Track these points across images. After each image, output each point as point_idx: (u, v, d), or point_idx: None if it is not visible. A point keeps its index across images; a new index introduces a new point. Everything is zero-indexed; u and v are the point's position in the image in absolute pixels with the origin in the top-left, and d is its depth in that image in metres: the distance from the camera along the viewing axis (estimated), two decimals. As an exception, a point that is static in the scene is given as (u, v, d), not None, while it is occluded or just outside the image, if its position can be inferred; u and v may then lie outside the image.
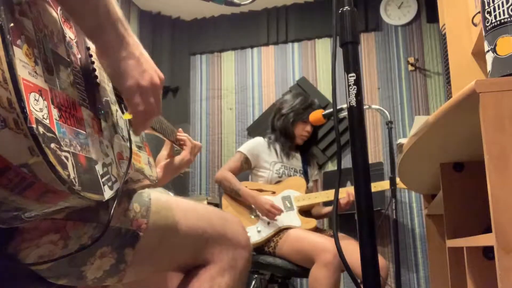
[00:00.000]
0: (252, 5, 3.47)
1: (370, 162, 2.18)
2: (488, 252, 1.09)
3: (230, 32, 3.93)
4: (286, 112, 2.52)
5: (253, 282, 2.62)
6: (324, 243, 2.11)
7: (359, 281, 0.87)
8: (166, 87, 3.89)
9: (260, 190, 2.41)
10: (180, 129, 1.32)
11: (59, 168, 0.55)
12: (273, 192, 2.42)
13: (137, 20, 3.81)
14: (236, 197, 2.42)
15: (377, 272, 0.85)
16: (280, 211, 2.34)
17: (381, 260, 2.25)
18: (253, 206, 2.39)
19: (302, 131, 2.50)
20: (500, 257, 0.77)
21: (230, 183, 2.41)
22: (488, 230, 0.84)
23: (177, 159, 1.28)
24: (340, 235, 2.37)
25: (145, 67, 0.74)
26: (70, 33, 0.70)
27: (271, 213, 2.31)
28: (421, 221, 3.24)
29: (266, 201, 2.34)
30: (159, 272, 1.01)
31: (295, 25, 3.79)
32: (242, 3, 1.02)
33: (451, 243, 1.28)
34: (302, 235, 2.23)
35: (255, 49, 3.90)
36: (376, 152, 3.45)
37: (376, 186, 2.42)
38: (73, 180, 0.57)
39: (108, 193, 0.67)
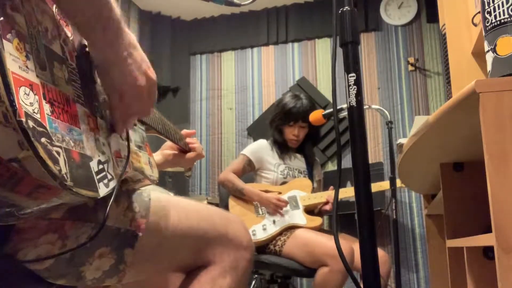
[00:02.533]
0: (252, 5, 3.47)
1: (370, 162, 2.17)
2: (488, 252, 1.09)
3: (230, 32, 3.93)
4: (274, 118, 2.58)
5: (253, 282, 2.62)
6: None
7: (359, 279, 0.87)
8: (166, 87, 3.89)
9: (266, 191, 2.42)
10: (195, 139, 1.33)
11: (49, 162, 0.54)
12: (279, 193, 2.43)
13: (137, 20, 3.81)
14: (240, 196, 2.42)
15: (377, 272, 0.85)
16: (286, 203, 2.35)
17: (383, 255, 2.25)
18: (258, 203, 2.39)
19: (289, 135, 2.52)
20: (500, 257, 0.77)
21: (232, 183, 2.42)
22: (488, 230, 0.84)
23: (188, 155, 1.29)
24: (349, 236, 2.38)
25: (135, 67, 0.73)
26: (66, 31, 0.70)
27: (278, 206, 2.32)
28: (421, 221, 3.24)
29: (271, 195, 2.36)
30: (160, 273, 1.00)
31: (295, 25, 3.79)
32: (242, 3, 1.02)
33: (451, 243, 1.28)
34: (312, 238, 2.21)
35: (255, 49, 3.90)
36: (376, 152, 3.45)
37: (382, 185, 2.41)
38: (64, 175, 0.57)
39: (103, 191, 0.66)
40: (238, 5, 1.01)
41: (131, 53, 0.73)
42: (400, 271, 2.10)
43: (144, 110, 0.79)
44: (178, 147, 1.28)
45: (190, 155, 1.30)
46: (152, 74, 0.77)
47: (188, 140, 1.29)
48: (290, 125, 2.49)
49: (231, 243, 0.96)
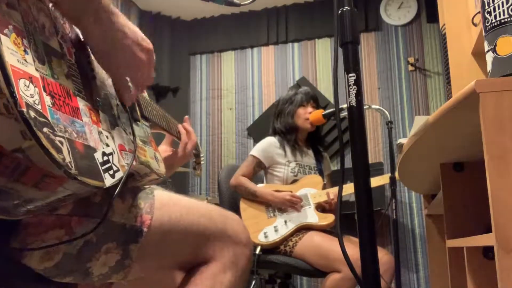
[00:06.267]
0: (252, 5, 3.47)
1: (370, 162, 2.17)
2: (488, 252, 1.09)
3: (230, 32, 3.93)
4: (281, 108, 2.55)
5: (253, 282, 2.62)
6: (353, 256, 2.05)
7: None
8: (166, 87, 3.89)
9: (278, 191, 2.40)
10: (186, 116, 1.34)
11: (52, 151, 0.55)
12: (290, 192, 2.42)
13: (137, 20, 3.81)
14: (253, 198, 2.41)
15: (377, 272, 0.85)
16: (300, 200, 2.34)
17: (386, 255, 2.23)
18: (272, 203, 2.38)
19: (305, 115, 2.47)
20: (500, 257, 0.77)
21: (245, 187, 2.40)
22: (488, 230, 0.84)
23: (179, 149, 1.28)
24: (355, 240, 2.36)
25: (133, 44, 0.75)
26: (64, 28, 0.71)
27: (293, 203, 2.32)
28: (421, 221, 3.24)
29: (284, 193, 2.34)
30: (162, 270, 1.01)
31: (295, 25, 3.79)
32: (242, 3, 1.02)
33: (451, 243, 1.28)
34: (326, 242, 2.18)
35: (255, 49, 3.91)
36: (376, 152, 3.45)
37: (382, 179, 2.39)
38: (68, 164, 0.57)
39: (109, 181, 0.67)
40: (238, 5, 1.01)
41: (125, 32, 0.74)
42: (400, 271, 2.10)
43: (148, 79, 0.81)
44: (171, 149, 1.28)
45: (181, 151, 1.27)
46: (148, 44, 0.78)
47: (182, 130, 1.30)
48: (304, 105, 2.47)
49: (231, 239, 0.97)
